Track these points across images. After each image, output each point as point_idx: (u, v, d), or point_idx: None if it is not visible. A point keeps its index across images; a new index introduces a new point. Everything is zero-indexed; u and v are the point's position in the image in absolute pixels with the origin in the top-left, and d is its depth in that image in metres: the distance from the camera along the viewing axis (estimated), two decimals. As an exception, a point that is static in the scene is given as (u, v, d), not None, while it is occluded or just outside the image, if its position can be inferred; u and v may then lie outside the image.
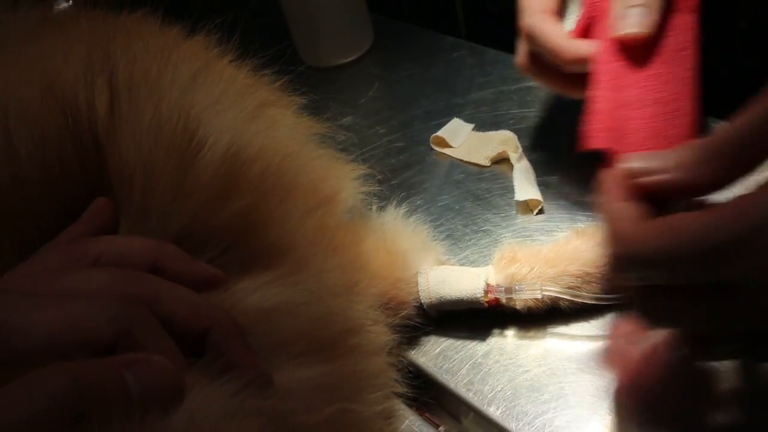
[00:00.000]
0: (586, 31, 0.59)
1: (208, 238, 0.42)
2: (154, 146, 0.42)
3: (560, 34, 0.59)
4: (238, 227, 0.43)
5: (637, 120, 0.52)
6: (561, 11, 0.62)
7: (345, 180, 0.57)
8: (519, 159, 0.70)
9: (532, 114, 0.78)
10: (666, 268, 0.37)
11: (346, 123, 0.83)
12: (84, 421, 0.29)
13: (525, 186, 0.68)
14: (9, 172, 0.41)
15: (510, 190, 0.70)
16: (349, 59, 0.96)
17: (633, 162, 0.41)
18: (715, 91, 0.59)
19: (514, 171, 0.70)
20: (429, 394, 0.58)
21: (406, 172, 0.76)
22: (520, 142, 0.73)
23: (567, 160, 0.70)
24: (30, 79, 0.45)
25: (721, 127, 0.38)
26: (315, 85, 0.90)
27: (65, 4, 1.19)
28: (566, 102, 0.76)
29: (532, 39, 0.59)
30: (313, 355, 0.41)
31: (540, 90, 0.80)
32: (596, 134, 0.53)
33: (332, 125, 0.65)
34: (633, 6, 0.55)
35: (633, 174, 0.41)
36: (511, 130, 0.75)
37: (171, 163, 0.42)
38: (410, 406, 0.56)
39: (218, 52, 0.64)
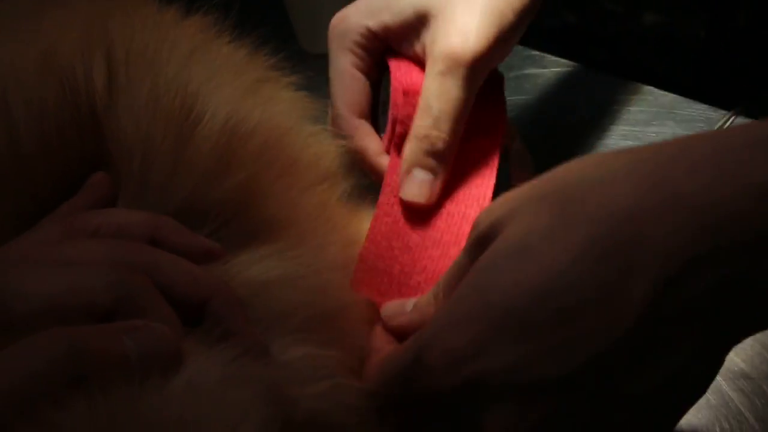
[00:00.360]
0: (391, 145, 0.58)
1: (207, 211, 0.43)
2: (152, 120, 0.42)
3: (373, 149, 0.59)
4: (237, 200, 0.43)
5: (413, 264, 0.53)
6: (369, 108, 0.62)
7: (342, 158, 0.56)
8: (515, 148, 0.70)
9: (529, 101, 0.77)
10: (385, 397, 0.43)
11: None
12: (83, 385, 0.29)
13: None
14: (7, 144, 0.41)
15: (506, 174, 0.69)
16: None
17: (384, 310, 0.49)
18: (717, 85, 0.59)
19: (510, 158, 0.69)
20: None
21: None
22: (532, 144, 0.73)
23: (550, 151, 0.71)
24: (26, 53, 0.45)
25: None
26: (315, 72, 0.90)
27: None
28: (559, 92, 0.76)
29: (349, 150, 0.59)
30: (311, 329, 0.42)
31: (538, 78, 0.80)
32: (362, 281, 0.52)
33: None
34: (419, 168, 0.55)
35: (385, 319, 0.48)
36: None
37: (169, 137, 0.42)
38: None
39: (215, 32, 0.64)
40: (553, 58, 0.88)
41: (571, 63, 0.88)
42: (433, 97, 0.54)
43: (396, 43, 0.60)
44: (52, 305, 0.32)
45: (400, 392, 0.43)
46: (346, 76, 0.60)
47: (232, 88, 0.49)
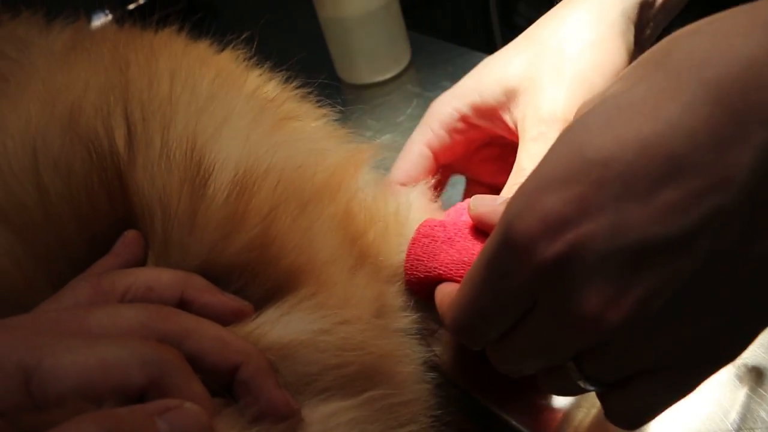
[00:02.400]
0: None
1: (231, 269, 0.43)
2: (167, 177, 0.43)
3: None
4: (255, 253, 0.43)
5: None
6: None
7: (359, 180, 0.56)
8: None
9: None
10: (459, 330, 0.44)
11: (384, 141, 0.83)
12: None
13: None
14: (40, 208, 0.42)
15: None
16: (387, 77, 0.97)
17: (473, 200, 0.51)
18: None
19: None
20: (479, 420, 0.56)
21: (448, 190, 0.74)
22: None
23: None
24: (53, 113, 0.47)
25: None
26: (352, 103, 0.90)
27: (104, 19, 1.20)
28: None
29: None
30: (339, 389, 0.42)
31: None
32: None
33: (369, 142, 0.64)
34: None
35: (472, 206, 0.50)
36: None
37: (183, 194, 0.43)
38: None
39: (245, 67, 0.64)
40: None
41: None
42: (526, 159, 0.55)
43: (488, 122, 0.62)
44: (84, 384, 0.33)
45: (486, 299, 0.40)
46: (414, 149, 0.63)
47: (247, 132, 0.49)
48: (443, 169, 0.65)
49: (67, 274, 0.42)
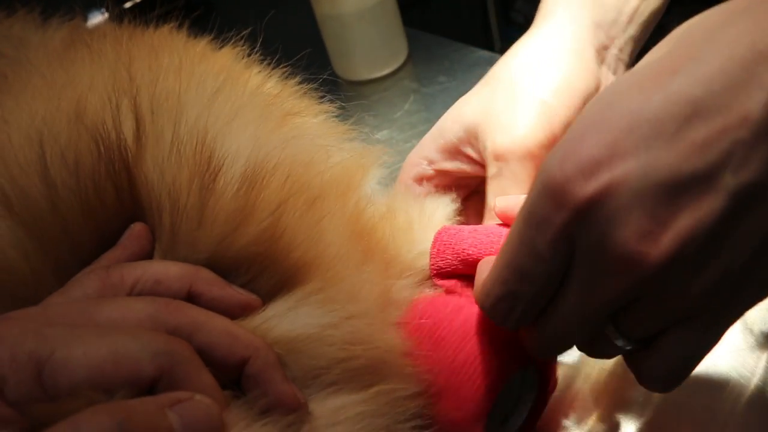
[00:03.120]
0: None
1: (239, 262, 0.44)
2: (177, 171, 0.44)
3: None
4: (264, 246, 0.44)
5: None
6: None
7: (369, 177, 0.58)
8: None
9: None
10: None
11: (382, 137, 0.83)
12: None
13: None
14: (47, 201, 0.42)
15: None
16: (384, 73, 0.98)
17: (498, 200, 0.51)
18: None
19: None
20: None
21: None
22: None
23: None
24: (59, 107, 0.47)
25: None
26: (349, 99, 0.90)
27: (100, 18, 1.20)
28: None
29: None
30: (347, 383, 0.42)
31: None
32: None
33: (367, 138, 0.65)
34: None
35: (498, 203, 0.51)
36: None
37: (193, 188, 0.43)
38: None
39: (246, 64, 0.65)
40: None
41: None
42: (491, 197, 0.57)
43: (455, 162, 0.64)
44: (96, 375, 0.33)
45: (524, 255, 0.41)
46: None
47: (257, 125, 0.50)
48: None
49: (74, 266, 0.43)
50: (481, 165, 0.61)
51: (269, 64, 0.65)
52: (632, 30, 0.65)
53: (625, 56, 0.66)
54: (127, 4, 1.24)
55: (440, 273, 0.53)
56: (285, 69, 0.65)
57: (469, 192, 0.67)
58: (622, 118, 0.37)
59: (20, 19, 0.73)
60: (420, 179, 0.64)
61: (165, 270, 0.41)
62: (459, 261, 0.52)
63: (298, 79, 0.65)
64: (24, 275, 0.42)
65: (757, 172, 0.35)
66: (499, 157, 0.56)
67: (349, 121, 0.65)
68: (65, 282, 0.42)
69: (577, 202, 0.37)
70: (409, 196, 0.62)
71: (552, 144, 0.56)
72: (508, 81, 0.60)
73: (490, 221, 0.56)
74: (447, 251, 0.52)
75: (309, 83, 0.65)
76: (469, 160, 0.63)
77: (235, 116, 0.48)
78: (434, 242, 0.54)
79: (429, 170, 0.64)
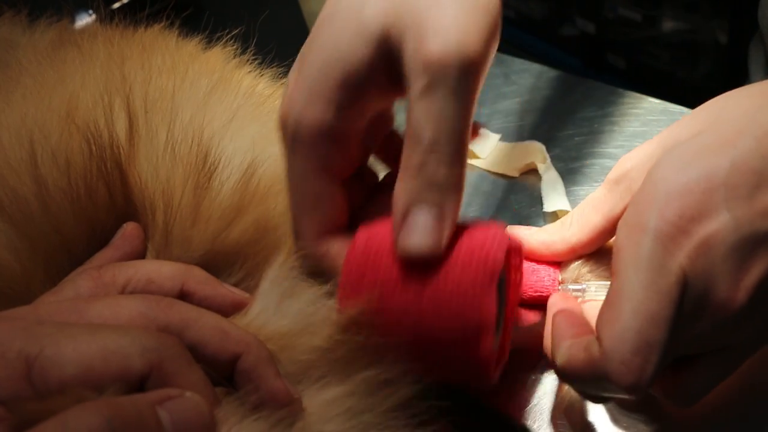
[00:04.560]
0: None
1: (232, 260, 0.44)
2: (171, 170, 0.44)
3: None
4: (255, 238, 0.44)
5: None
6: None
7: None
8: (547, 169, 0.71)
9: (559, 124, 0.76)
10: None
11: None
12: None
13: (553, 197, 0.69)
14: (38, 200, 0.42)
15: (539, 200, 0.70)
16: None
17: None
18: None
19: (543, 182, 0.71)
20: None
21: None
22: (548, 152, 0.74)
23: (594, 169, 0.71)
24: (50, 106, 0.47)
25: None
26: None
27: (88, 19, 1.20)
28: (593, 113, 0.75)
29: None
30: (334, 374, 0.42)
31: (567, 100, 0.79)
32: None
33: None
34: (418, 205, 0.42)
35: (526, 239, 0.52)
36: (539, 140, 0.75)
37: (188, 187, 0.43)
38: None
39: (237, 63, 0.65)
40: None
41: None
42: (420, 124, 0.42)
43: (370, 99, 0.46)
44: (85, 371, 0.33)
45: (654, 303, 0.41)
46: (309, 190, 0.45)
47: (251, 126, 0.50)
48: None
49: (66, 266, 0.43)
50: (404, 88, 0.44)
51: (261, 63, 0.65)
52: None
53: None
54: (116, 5, 1.24)
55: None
56: (277, 69, 0.65)
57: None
58: (697, 184, 0.41)
59: (7, 21, 0.73)
60: (328, 135, 0.45)
61: (157, 269, 0.41)
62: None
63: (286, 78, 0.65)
64: (15, 275, 0.42)
65: None
66: (432, 66, 0.41)
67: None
68: (57, 282, 0.42)
69: (690, 247, 0.41)
70: None
71: (491, 49, 0.44)
72: None
73: (413, 152, 0.42)
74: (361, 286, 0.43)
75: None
76: (391, 86, 0.46)
77: (232, 117, 0.49)
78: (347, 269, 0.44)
79: (336, 121, 0.45)
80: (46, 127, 0.45)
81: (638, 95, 0.79)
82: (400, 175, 0.43)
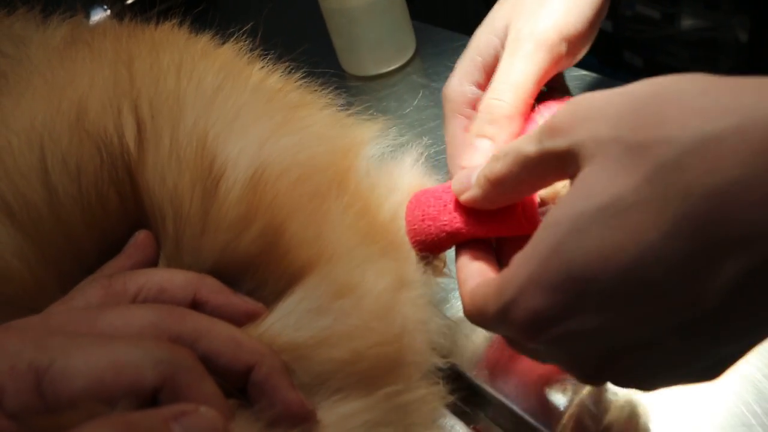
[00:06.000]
0: None
1: (244, 269, 0.43)
2: (177, 177, 0.43)
3: None
4: (266, 247, 0.43)
5: None
6: None
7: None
8: None
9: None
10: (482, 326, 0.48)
11: (391, 134, 0.82)
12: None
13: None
14: (49, 207, 0.42)
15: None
16: (392, 68, 0.97)
17: (454, 184, 0.53)
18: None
19: None
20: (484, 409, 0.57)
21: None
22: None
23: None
24: (59, 109, 0.47)
25: None
26: (357, 94, 0.89)
27: (102, 14, 1.20)
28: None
29: None
30: (353, 388, 0.42)
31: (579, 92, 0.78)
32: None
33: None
34: (479, 137, 0.58)
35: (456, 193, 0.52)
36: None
37: (195, 194, 0.43)
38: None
39: (248, 59, 0.64)
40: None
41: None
42: (500, 74, 0.58)
43: None
44: (96, 384, 0.33)
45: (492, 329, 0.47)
46: (458, 142, 0.62)
47: (260, 124, 0.49)
48: None
49: (77, 275, 0.43)
50: None
51: (272, 59, 0.65)
52: None
53: None
54: (129, 0, 1.23)
55: (422, 245, 0.54)
56: (288, 64, 0.65)
57: None
58: (576, 285, 0.39)
59: (21, 17, 0.73)
60: (472, 104, 0.63)
61: (169, 278, 0.41)
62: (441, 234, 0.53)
63: (302, 73, 0.65)
64: (25, 283, 0.42)
65: (705, 344, 0.39)
66: (517, 39, 0.58)
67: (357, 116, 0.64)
68: (68, 290, 0.41)
69: (525, 341, 0.43)
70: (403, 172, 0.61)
71: (571, 37, 0.59)
72: None
73: (494, 92, 0.58)
74: (422, 222, 0.54)
75: (314, 78, 0.64)
76: None
77: (236, 115, 0.48)
78: (406, 213, 0.55)
79: (479, 92, 0.62)
80: (56, 132, 0.44)
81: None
82: (481, 108, 0.59)
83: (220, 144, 0.45)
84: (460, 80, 0.63)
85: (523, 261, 0.41)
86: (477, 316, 0.46)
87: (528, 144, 0.43)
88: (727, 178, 0.34)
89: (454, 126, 0.63)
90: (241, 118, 0.48)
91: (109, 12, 1.23)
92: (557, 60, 0.59)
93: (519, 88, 0.57)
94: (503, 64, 0.58)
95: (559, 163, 0.41)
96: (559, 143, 0.41)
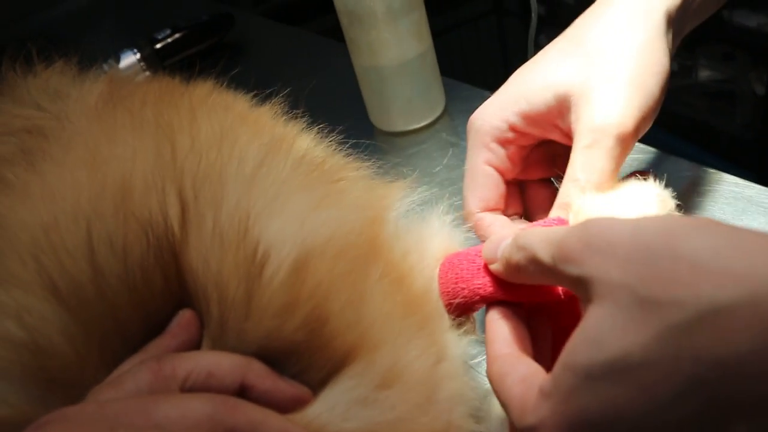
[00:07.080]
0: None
1: (288, 353, 0.43)
2: (221, 259, 0.44)
3: None
4: (310, 334, 0.43)
5: None
6: (503, 201, 0.65)
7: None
8: None
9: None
10: None
11: (421, 192, 0.81)
12: None
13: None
14: (94, 286, 0.42)
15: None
16: (421, 125, 0.97)
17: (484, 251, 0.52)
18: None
19: None
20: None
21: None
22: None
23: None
24: (104, 185, 0.47)
25: None
26: (387, 151, 0.89)
27: (132, 58, 1.21)
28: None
29: None
30: None
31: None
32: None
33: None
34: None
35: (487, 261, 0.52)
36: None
37: (239, 278, 0.43)
38: None
39: (285, 123, 0.64)
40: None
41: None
42: (579, 169, 0.57)
43: (539, 129, 0.63)
44: None
45: None
46: (479, 173, 0.63)
47: (299, 204, 0.49)
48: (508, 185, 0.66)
49: (121, 353, 0.43)
50: (567, 135, 0.60)
51: (307, 120, 0.65)
52: (694, 18, 0.65)
53: (682, 26, 0.65)
54: (158, 45, 1.24)
55: (455, 307, 0.54)
56: (324, 125, 0.64)
57: (534, 147, 0.67)
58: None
59: (57, 70, 0.73)
60: (500, 141, 0.62)
61: (217, 362, 0.41)
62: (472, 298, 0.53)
63: (338, 137, 0.64)
64: (69, 361, 0.42)
65: None
66: (595, 130, 0.56)
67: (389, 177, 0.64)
68: (112, 368, 0.42)
69: None
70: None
71: (642, 124, 0.58)
72: (605, 54, 0.59)
73: (571, 187, 0.57)
74: (456, 285, 0.54)
75: (347, 138, 0.64)
76: (556, 129, 0.61)
77: (277, 194, 0.48)
78: (439, 275, 0.55)
79: (510, 134, 0.62)
80: (102, 210, 0.45)
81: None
82: (554, 209, 0.58)
83: (263, 224, 0.45)
84: (494, 114, 0.62)
85: (545, 394, 0.41)
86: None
87: (544, 253, 0.43)
88: (737, 352, 0.34)
89: (478, 158, 0.63)
90: (281, 197, 0.48)
91: (138, 56, 1.24)
92: (629, 149, 0.59)
93: (599, 188, 0.56)
94: (581, 159, 0.57)
95: (570, 283, 0.42)
96: (571, 269, 0.41)
